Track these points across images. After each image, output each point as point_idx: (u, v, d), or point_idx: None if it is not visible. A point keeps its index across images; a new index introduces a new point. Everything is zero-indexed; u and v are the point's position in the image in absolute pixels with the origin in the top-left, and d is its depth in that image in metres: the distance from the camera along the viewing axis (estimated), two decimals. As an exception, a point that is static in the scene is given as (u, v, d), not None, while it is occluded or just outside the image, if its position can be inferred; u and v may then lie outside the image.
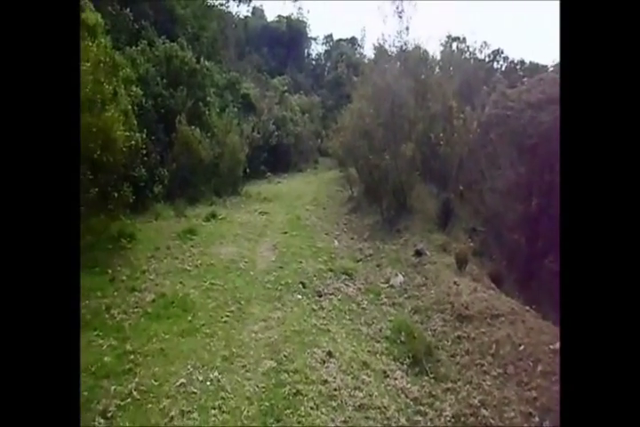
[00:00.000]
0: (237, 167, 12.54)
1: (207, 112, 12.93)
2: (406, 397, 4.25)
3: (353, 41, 32.39)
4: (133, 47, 12.57)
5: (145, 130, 9.39)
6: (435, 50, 20.93)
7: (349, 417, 3.82)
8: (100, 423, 3.41)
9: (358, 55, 29.73)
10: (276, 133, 16.49)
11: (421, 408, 4.11)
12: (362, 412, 3.91)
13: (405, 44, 13.37)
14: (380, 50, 15.15)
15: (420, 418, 3.97)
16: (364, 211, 10.48)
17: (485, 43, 20.30)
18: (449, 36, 19.68)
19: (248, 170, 13.35)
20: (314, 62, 33.29)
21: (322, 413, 3.84)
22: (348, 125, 11.98)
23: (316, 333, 5.22)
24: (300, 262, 7.38)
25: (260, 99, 17.76)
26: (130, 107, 8.67)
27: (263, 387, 4.12)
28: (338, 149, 13.37)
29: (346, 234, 9.35)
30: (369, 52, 27.07)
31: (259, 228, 9.25)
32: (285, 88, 21.09)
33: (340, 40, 32.85)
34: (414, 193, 9.55)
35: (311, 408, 3.88)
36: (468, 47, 19.86)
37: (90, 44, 6.74)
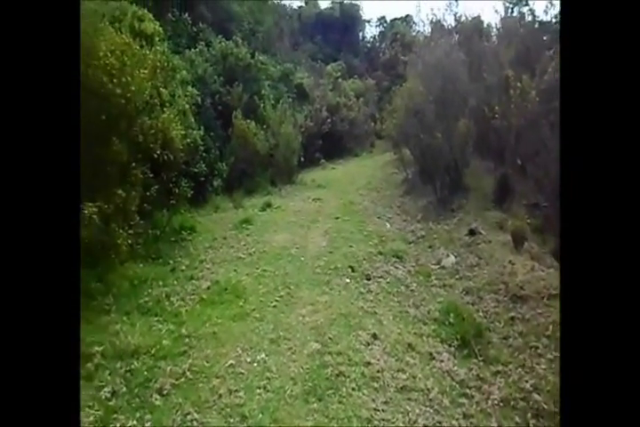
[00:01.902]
0: (292, 157, 12.68)
1: (262, 105, 13.19)
2: (452, 379, 4.11)
3: (408, 19, 30.96)
4: (192, 49, 13.10)
5: (204, 127, 9.81)
6: (493, 18, 19.38)
7: (391, 398, 3.78)
8: (156, 399, 3.69)
9: (414, 33, 28.44)
10: (330, 120, 16.38)
11: (467, 391, 3.95)
12: (404, 393, 3.85)
13: (459, 16, 12.58)
14: (435, 25, 14.39)
15: (465, 401, 3.83)
16: (418, 192, 10.14)
17: (551, 3, 18.43)
18: (509, 1, 18.15)
19: (303, 158, 13.45)
20: (368, 45, 32.43)
21: (363, 394, 3.84)
22: (400, 106, 11.57)
23: (362, 315, 5.20)
24: (350, 247, 7.35)
25: (314, 87, 17.72)
26: (187, 106, 9.05)
27: (307, 368, 4.20)
28: (391, 130, 13.00)
29: (399, 216, 9.13)
30: (425, 28, 25.81)
31: (311, 214, 9.33)
32: (339, 74, 20.81)
33: (395, 19, 31.57)
34: (469, 171, 9.06)
35: (353, 389, 3.89)
36: (531, 10, 18.19)
37: (147, 52, 7.05)
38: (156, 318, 4.93)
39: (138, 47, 6.49)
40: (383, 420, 3.53)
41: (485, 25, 13.80)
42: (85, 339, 4.33)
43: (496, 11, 15.85)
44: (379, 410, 3.63)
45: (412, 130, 10.24)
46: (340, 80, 20.42)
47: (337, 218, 8.98)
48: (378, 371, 4.13)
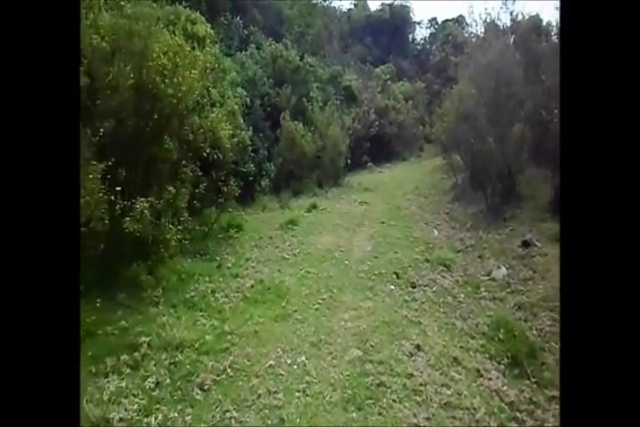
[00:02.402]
0: (339, 159, 12.63)
1: (310, 107, 13.24)
2: (501, 400, 3.86)
3: (460, 20, 30.17)
4: (243, 52, 13.40)
5: (252, 128, 9.97)
6: (554, 16, 18.34)
7: (433, 414, 3.60)
8: (197, 394, 3.71)
9: (466, 34, 27.65)
10: (378, 123, 16.20)
11: (518, 415, 3.69)
12: (448, 411, 3.65)
13: (515, 15, 12.03)
14: (489, 25, 13.86)
15: (515, 425, 3.58)
16: (467, 199, 9.78)
17: None
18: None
19: (350, 161, 13.37)
20: (418, 47, 31.94)
21: (404, 407, 3.68)
22: (451, 109, 11.25)
23: (405, 324, 5.03)
24: (396, 253, 7.17)
25: (362, 89, 17.60)
26: (236, 107, 9.21)
27: (347, 375, 4.09)
28: (441, 134, 12.67)
29: (447, 223, 8.83)
30: (478, 29, 25.00)
31: (357, 218, 9.21)
32: (388, 76, 20.59)
33: (447, 21, 30.88)
34: (523, 178, 8.61)
35: (393, 401, 3.74)
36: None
37: (198, 53, 7.24)
38: (200, 313, 4.99)
39: (190, 49, 6.64)
40: (425, 436, 3.36)
41: (545, 23, 13.12)
42: (134, 329, 4.45)
43: (557, 8, 15.02)
44: (420, 426, 3.47)
45: (463, 134, 9.89)
46: (389, 83, 20.20)
47: (383, 222, 8.82)
48: (421, 384, 3.95)
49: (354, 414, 3.60)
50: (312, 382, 3.96)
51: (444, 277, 6.34)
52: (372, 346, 4.55)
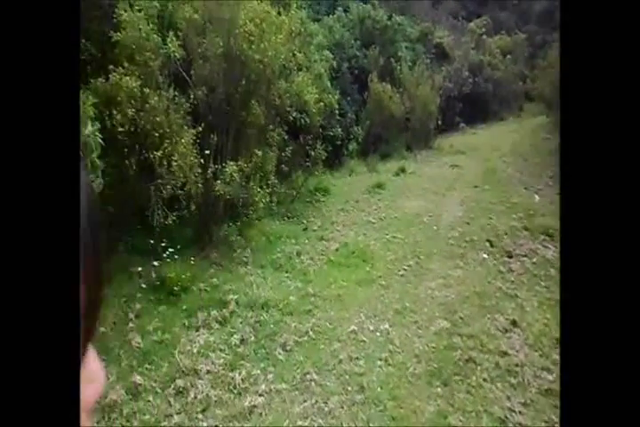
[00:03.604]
0: (429, 120, 11.58)
1: (398, 67, 12.22)
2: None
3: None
4: (330, 16, 12.67)
5: (340, 91, 9.45)
6: None
7: (531, 400, 3.06)
8: (279, 354, 3.59)
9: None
10: (472, 81, 14.48)
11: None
12: (549, 398, 3.08)
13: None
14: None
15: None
16: (576, 160, 8.32)
17: None
18: None
19: (440, 122, 12.21)
20: (521, -4, 27.63)
21: (496, 387, 3.19)
22: (557, 61, 9.47)
23: (500, 297, 4.41)
24: (490, 218, 6.36)
25: (455, 46, 15.76)
26: (323, 71, 8.72)
27: (433, 347, 3.68)
28: (544, 90, 10.87)
29: (550, 188, 7.62)
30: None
31: (448, 181, 8.39)
32: (484, 30, 18.18)
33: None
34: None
35: (484, 380, 3.27)
36: None
37: (284, 18, 6.84)
38: (285, 275, 4.87)
39: (276, 14, 6.27)
40: (520, 425, 2.87)
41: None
42: (224, 286, 4.46)
43: None
44: (515, 411, 2.96)
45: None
46: (484, 37, 17.86)
47: (476, 187, 7.92)
48: (516, 364, 3.40)
49: (439, 390, 3.21)
50: (395, 352, 3.63)
51: (546, 247, 5.45)
52: (460, 318, 4.06)
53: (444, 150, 11.42)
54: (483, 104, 15.29)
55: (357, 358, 3.56)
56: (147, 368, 3.11)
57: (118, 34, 4.68)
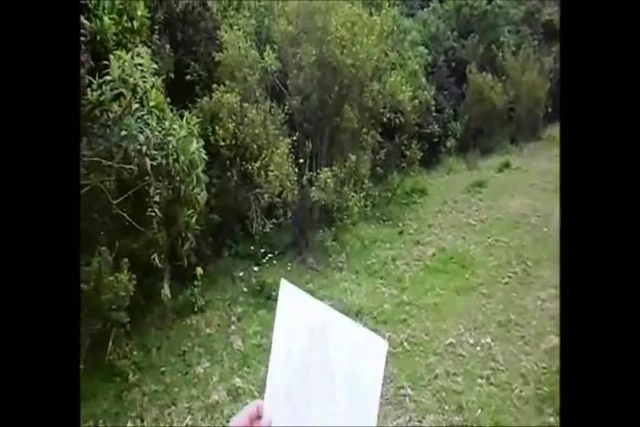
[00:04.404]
0: (537, 108, 10.37)
1: (500, 54, 11.13)
2: None
3: None
4: (425, 9, 12.08)
5: (436, 86, 8.98)
6: None
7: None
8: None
9: None
10: (591, 60, 12.55)
11: None
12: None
13: None
14: None
15: None
16: None
17: None
18: None
19: (551, 109, 10.83)
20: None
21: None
22: None
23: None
24: (615, 219, 5.43)
25: (570, 22, 13.81)
26: (417, 67, 8.35)
27: (544, 367, 3.27)
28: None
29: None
30: None
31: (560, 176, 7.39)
32: None
33: None
34: None
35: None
36: None
37: (376, 18, 6.69)
38: (380, 281, 4.75)
39: (367, 15, 6.13)
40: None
41: None
42: (319, 292, 4.50)
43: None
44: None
45: None
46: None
47: (595, 181, 6.85)
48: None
49: (551, 419, 2.83)
50: (498, 370, 3.30)
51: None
52: (578, 335, 3.51)
53: (556, 140, 10.08)
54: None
55: (455, 373, 3.31)
56: (246, 371, 3.27)
57: (220, 54, 5.01)
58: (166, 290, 3.73)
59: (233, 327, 3.79)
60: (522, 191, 7.00)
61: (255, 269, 4.43)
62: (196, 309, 4.03)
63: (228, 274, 4.51)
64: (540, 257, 4.86)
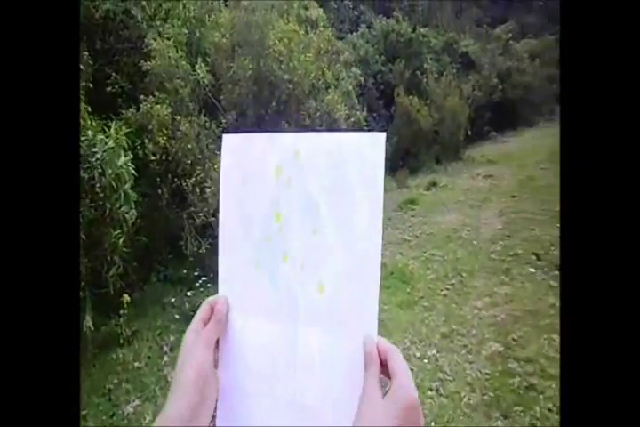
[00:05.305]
0: (458, 131, 11.34)
1: (424, 80, 12.12)
2: None
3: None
4: (354, 33, 12.84)
5: (367, 108, 9.43)
6: None
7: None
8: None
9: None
10: (500, 88, 14.17)
11: None
12: None
13: None
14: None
15: None
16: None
17: None
18: None
19: (470, 132, 11.93)
20: (545, -2, 27.16)
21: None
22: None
23: (555, 315, 4.10)
24: (533, 230, 6.03)
25: (481, 54, 15.55)
26: (351, 88, 8.76)
27: (487, 373, 3.43)
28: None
29: (596, 194, 7.21)
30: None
31: (483, 193, 8.10)
32: (510, 35, 17.90)
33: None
34: None
35: (549, 410, 2.99)
36: None
37: (312, 35, 6.94)
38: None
39: (303, 33, 6.35)
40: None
41: None
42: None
43: None
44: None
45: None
46: (510, 42, 17.56)
47: (513, 196, 7.59)
48: (584, 392, 3.10)
49: (499, 423, 2.96)
50: (446, 380, 3.40)
51: (600, 258, 5.09)
52: (514, 340, 3.78)
53: (476, 161, 11.11)
54: (512, 111, 14.88)
55: (406, 387, 3.35)
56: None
57: (148, 63, 4.82)
58: (88, 322, 3.36)
59: (165, 359, 3.49)
60: (450, 207, 7.51)
61: (188, 293, 4.18)
62: (121, 340, 3.69)
63: (158, 301, 4.21)
64: (472, 268, 5.19)
